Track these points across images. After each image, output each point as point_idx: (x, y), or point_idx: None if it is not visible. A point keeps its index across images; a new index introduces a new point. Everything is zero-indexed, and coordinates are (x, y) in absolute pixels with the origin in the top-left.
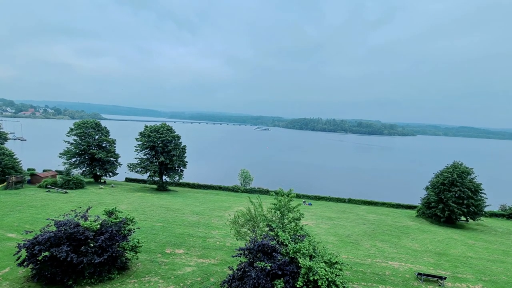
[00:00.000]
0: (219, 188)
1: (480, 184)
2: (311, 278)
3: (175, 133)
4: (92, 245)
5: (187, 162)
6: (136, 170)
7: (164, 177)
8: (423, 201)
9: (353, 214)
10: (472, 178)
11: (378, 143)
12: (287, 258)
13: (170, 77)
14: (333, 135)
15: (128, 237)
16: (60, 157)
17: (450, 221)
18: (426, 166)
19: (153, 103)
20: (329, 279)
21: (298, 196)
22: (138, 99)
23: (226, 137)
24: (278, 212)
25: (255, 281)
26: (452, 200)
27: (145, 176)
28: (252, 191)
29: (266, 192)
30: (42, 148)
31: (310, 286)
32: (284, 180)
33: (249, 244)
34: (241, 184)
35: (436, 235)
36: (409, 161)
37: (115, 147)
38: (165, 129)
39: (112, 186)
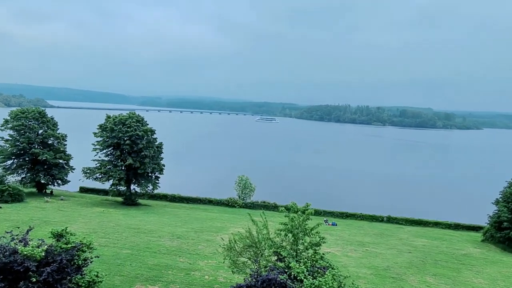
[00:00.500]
0: (209, 201)
1: None
2: None
3: (148, 126)
4: (34, 279)
5: (164, 166)
6: (94, 176)
7: (133, 187)
8: (491, 220)
9: (394, 238)
10: None
11: (428, 139)
12: None
13: (142, 50)
14: (366, 128)
15: (83, 269)
16: None
17: None
18: (496, 171)
19: (118, 85)
20: None
21: (317, 213)
22: (97, 79)
23: (218, 132)
24: (290, 235)
25: None
26: None
27: (107, 185)
28: (254, 205)
29: (274, 208)
30: None
31: None
32: (298, 191)
33: (249, 279)
34: (239, 197)
35: (510, 267)
36: (472, 164)
37: (65, 145)
38: (134, 120)
39: (62, 199)
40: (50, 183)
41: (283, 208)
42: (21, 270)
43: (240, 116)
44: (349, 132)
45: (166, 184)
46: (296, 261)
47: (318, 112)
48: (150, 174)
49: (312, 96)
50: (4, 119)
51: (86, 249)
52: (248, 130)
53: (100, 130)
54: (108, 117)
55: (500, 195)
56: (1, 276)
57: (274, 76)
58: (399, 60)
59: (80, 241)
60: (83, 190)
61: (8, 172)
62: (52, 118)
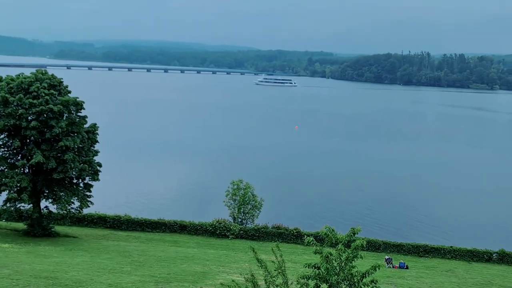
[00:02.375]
0: (181, 228)
1: None
2: None
3: (71, 96)
4: None
5: (101, 166)
6: None
7: (44, 204)
8: None
9: None
10: None
11: None
12: None
13: None
14: (459, 96)
15: None
16: None
17: None
18: None
19: (17, 25)
20: None
21: (372, 245)
22: None
23: (194, 104)
24: (324, 286)
25: None
26: None
27: None
28: (259, 234)
29: (294, 238)
30: None
31: None
32: (337, 208)
33: None
34: (234, 219)
35: None
36: None
37: None
38: (45, 85)
39: None
40: None
41: (311, 238)
42: None
43: (235, 76)
44: (428, 101)
45: (104, 198)
46: None
47: (372, 67)
48: (75, 181)
49: (360, 40)
50: None
51: None
52: (238, 102)
53: None
54: None
55: None
56: None
57: (292, 5)
58: None
59: None
60: None
61: None
62: None
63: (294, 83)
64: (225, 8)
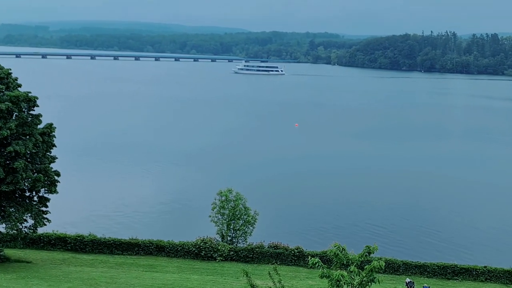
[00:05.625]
0: (159, 248)
1: None
2: None
3: (21, 90)
4: None
5: (59, 175)
6: None
7: None
8: None
9: None
10: None
11: None
12: None
13: None
14: (493, 84)
15: None
16: None
17: None
18: None
19: None
20: None
21: (391, 267)
22: None
23: (171, 95)
24: None
25: None
26: None
27: None
28: (254, 255)
29: (296, 258)
30: None
31: None
32: (347, 221)
33: None
34: (223, 237)
35: None
36: None
37: None
38: None
39: None
40: None
41: (317, 259)
42: None
43: (221, 63)
44: (456, 91)
45: (64, 214)
46: None
47: (388, 51)
48: (28, 194)
49: (372, 19)
50: None
51: None
52: (217, 95)
53: None
54: None
55: None
56: None
57: None
58: None
59: None
60: None
61: None
62: None
63: (281, 70)
64: None
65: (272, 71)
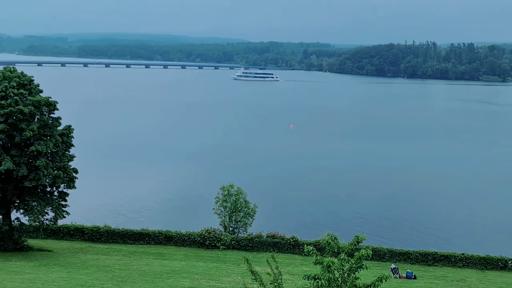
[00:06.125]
0: (167, 238)
1: None
2: None
3: (43, 96)
4: None
5: (77, 172)
6: None
7: (15, 215)
8: None
9: None
10: None
11: None
12: None
13: None
14: (470, 88)
15: None
16: None
17: None
18: None
19: None
20: None
21: (377, 254)
22: None
23: (178, 100)
24: None
25: None
26: None
27: None
28: (253, 244)
29: (292, 247)
30: None
31: None
32: (338, 213)
33: None
34: (225, 227)
35: None
36: None
37: None
38: (13, 83)
39: None
40: None
41: (311, 247)
42: None
43: (223, 70)
44: (435, 95)
45: (81, 208)
46: None
47: (374, 59)
48: (49, 190)
49: (360, 30)
50: None
51: None
52: (218, 99)
53: None
54: None
55: None
56: None
57: None
58: None
59: None
60: None
61: None
62: None
63: (276, 77)
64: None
65: (267, 77)
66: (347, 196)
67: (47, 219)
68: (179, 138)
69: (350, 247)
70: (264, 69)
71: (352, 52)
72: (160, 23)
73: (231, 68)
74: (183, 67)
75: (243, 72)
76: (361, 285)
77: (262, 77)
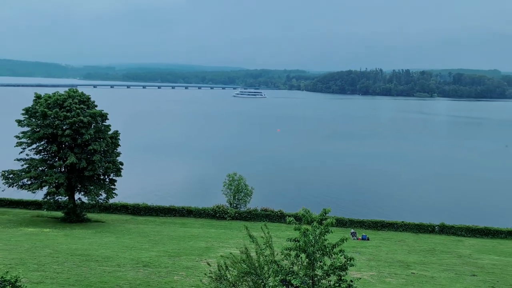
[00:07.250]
0: (188, 212)
1: None
2: None
3: (97, 109)
4: None
5: (122, 164)
6: (20, 183)
7: (77, 196)
8: None
9: (451, 255)
10: None
11: (495, 114)
12: None
13: (84, 2)
14: (405, 102)
15: None
16: None
17: None
18: None
19: (51, 52)
20: None
21: (340, 223)
22: (19, 44)
23: (198, 112)
24: (303, 255)
25: None
26: None
27: (39, 195)
28: (251, 216)
29: (279, 218)
30: None
31: None
32: (311, 193)
33: None
34: (230, 204)
35: None
36: None
37: None
38: (76, 101)
39: None
40: None
41: (292, 218)
42: None
43: (228, 90)
44: (382, 107)
45: (126, 190)
46: None
47: (338, 81)
48: (102, 177)
49: (328, 60)
50: None
51: None
52: (225, 111)
53: (26, 116)
54: (38, 97)
55: None
56: None
57: (274, 33)
58: (451, 4)
59: (1, 276)
60: (4, 203)
61: None
62: None
63: (264, 94)
64: (220, 40)
65: (257, 95)
66: (319, 181)
67: (101, 198)
68: (197, 139)
69: (319, 217)
70: (258, 89)
71: (322, 76)
72: (182, 56)
73: (234, 88)
74: (199, 88)
75: (240, 91)
76: (328, 245)
77: (253, 94)
